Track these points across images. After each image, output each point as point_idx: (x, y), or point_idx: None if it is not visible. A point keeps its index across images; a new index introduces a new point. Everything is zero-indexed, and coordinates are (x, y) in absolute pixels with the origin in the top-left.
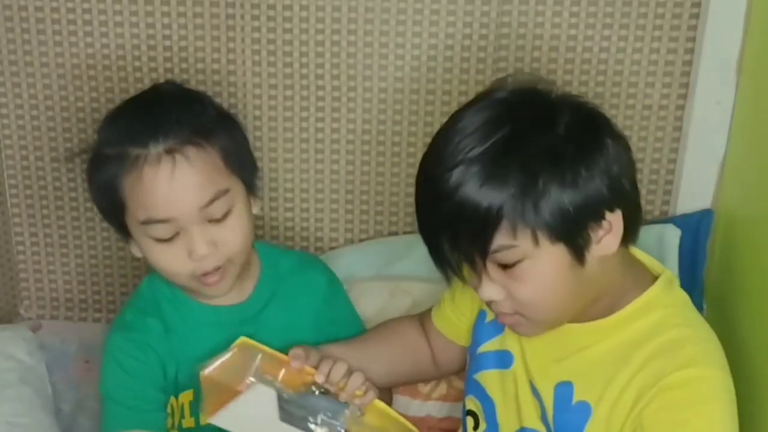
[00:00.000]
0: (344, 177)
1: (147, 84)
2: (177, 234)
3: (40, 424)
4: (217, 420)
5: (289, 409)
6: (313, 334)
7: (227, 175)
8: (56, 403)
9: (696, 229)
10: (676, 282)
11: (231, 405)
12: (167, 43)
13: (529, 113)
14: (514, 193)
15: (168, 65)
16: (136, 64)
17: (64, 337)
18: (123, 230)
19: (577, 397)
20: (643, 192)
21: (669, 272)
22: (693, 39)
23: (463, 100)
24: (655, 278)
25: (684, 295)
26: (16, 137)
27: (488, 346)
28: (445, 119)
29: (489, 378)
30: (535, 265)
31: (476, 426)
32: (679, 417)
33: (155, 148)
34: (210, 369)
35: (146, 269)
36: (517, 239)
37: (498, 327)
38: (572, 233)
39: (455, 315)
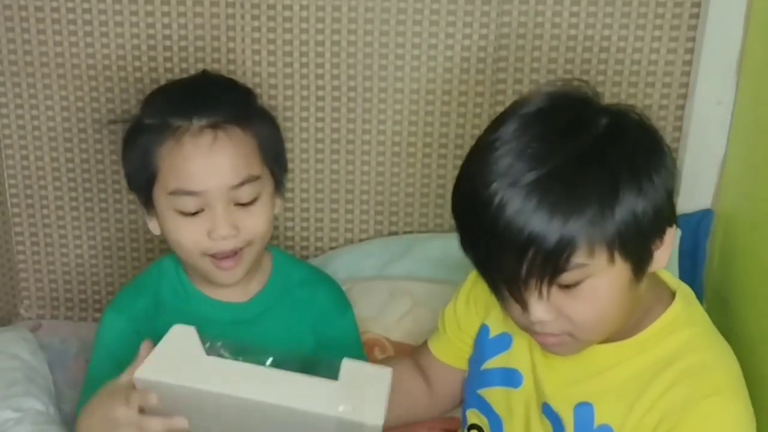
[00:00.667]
0: (344, 177)
1: (147, 84)
2: (202, 210)
3: (48, 415)
4: (143, 372)
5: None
6: (311, 351)
7: (261, 164)
8: (57, 403)
9: (696, 229)
10: (693, 296)
11: (155, 351)
12: (167, 42)
13: (585, 125)
14: (592, 216)
15: (168, 65)
16: (136, 64)
17: (64, 337)
18: (148, 203)
19: (598, 421)
20: None
21: (685, 287)
22: (693, 39)
23: (463, 100)
24: (672, 293)
25: (703, 312)
26: (16, 137)
27: (493, 362)
28: (445, 119)
29: (495, 395)
30: (598, 284)
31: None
32: None
33: (198, 122)
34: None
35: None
36: (593, 259)
37: (504, 343)
38: (641, 249)
39: (458, 337)
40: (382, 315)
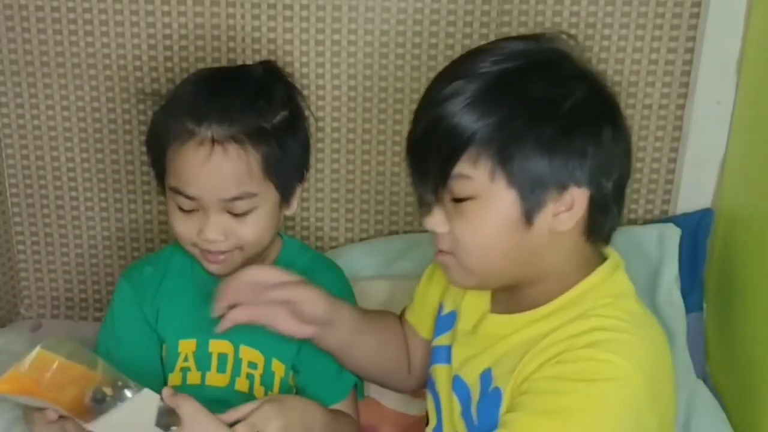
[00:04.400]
0: (345, 176)
1: (147, 84)
2: (196, 210)
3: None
4: (93, 426)
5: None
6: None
7: (260, 181)
8: None
9: (696, 229)
10: (622, 269)
11: (113, 412)
12: (167, 42)
13: (552, 69)
14: (490, 124)
15: (168, 64)
16: (137, 63)
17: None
18: (161, 183)
19: (493, 384)
20: (643, 192)
21: (616, 257)
22: (693, 39)
23: None
24: (601, 261)
25: (626, 285)
26: (16, 136)
27: (440, 340)
28: None
29: (438, 372)
30: (483, 207)
31: (427, 422)
32: (558, 387)
33: (205, 131)
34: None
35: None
36: (476, 170)
37: (451, 321)
38: (528, 187)
39: (424, 309)
40: None
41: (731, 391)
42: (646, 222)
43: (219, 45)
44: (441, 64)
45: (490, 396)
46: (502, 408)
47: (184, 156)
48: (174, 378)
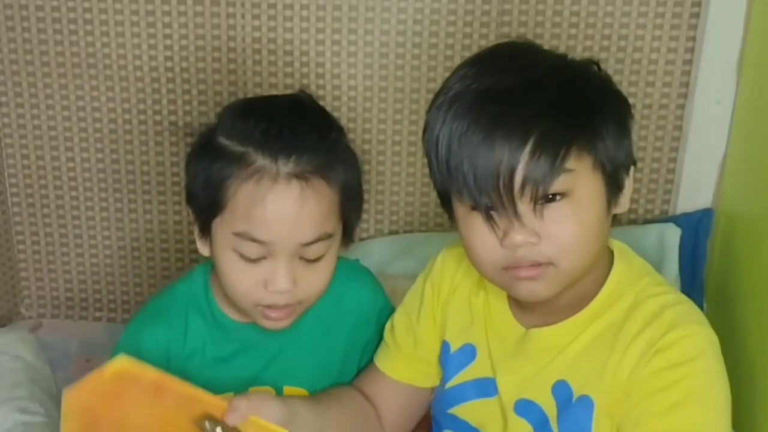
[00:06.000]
0: None
1: (147, 83)
2: (263, 258)
3: (51, 416)
4: None
5: None
6: (344, 355)
7: (338, 220)
8: (57, 404)
9: (696, 229)
10: (628, 249)
11: None
12: (168, 42)
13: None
14: (585, 114)
15: (168, 64)
16: (137, 63)
17: (64, 336)
18: (204, 226)
19: (576, 393)
20: (643, 191)
21: (619, 244)
22: (693, 39)
23: None
24: (611, 252)
25: (642, 262)
26: (17, 136)
27: (461, 377)
28: None
29: (470, 410)
30: (580, 200)
31: None
32: (672, 377)
33: (285, 167)
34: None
35: (149, 270)
36: (581, 162)
37: (468, 355)
38: (613, 170)
39: (414, 353)
40: None
41: (731, 390)
42: (646, 222)
43: (219, 45)
44: (441, 63)
45: (576, 406)
46: (596, 412)
47: (266, 198)
48: None
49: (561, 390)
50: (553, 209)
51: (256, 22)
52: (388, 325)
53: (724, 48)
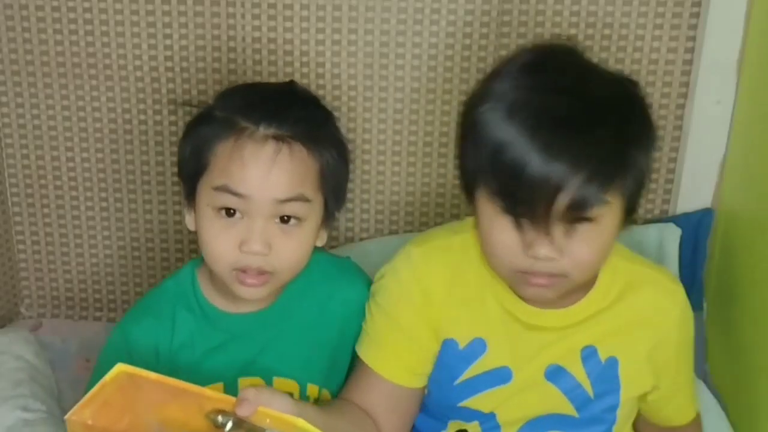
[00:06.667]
0: None
1: (148, 83)
2: (241, 217)
3: (53, 414)
4: None
5: None
6: (334, 349)
7: (316, 189)
8: (58, 403)
9: (696, 229)
10: None
11: None
12: (168, 42)
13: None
14: (631, 154)
15: (169, 64)
16: (137, 63)
17: (64, 336)
18: (190, 195)
19: (605, 355)
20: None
21: None
22: (693, 39)
23: (464, 99)
24: None
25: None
26: (17, 136)
27: (472, 371)
28: (445, 118)
29: (484, 399)
30: (602, 223)
31: None
32: (690, 333)
33: (265, 129)
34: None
35: (149, 270)
36: (615, 192)
37: (478, 349)
38: (638, 189)
39: (410, 360)
40: None
41: (731, 390)
42: (646, 222)
43: (219, 45)
44: (441, 64)
45: (606, 366)
46: (621, 369)
47: (243, 153)
48: None
49: (590, 353)
50: (579, 231)
51: (256, 22)
52: (366, 334)
53: (724, 48)
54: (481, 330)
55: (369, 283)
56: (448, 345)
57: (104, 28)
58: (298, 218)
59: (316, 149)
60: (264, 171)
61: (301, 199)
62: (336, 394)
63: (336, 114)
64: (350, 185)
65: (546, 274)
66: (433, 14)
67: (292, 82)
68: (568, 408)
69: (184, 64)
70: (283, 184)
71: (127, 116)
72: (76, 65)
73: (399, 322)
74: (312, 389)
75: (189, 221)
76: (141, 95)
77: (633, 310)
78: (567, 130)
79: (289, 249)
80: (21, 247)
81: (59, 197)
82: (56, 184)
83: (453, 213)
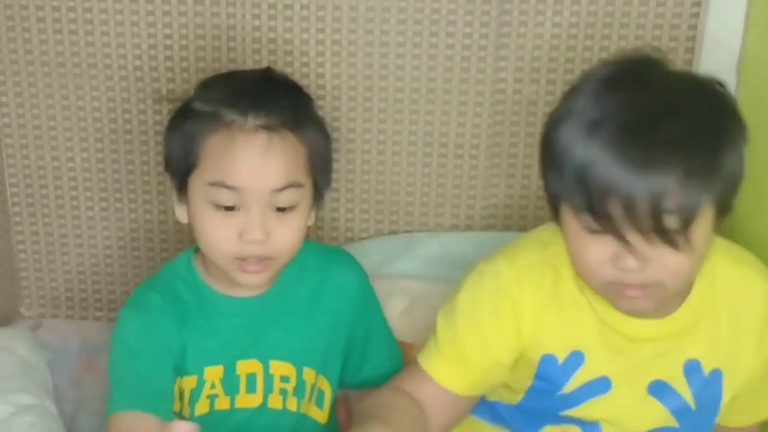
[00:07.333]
0: (344, 176)
1: (148, 83)
2: (237, 208)
3: (44, 409)
4: None
5: None
6: (329, 334)
7: (306, 173)
8: (57, 403)
9: None
10: None
11: None
12: (168, 42)
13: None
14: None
15: (169, 64)
16: (137, 63)
17: (65, 336)
18: (181, 189)
19: (708, 368)
20: None
21: None
22: (693, 39)
23: (464, 99)
24: None
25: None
26: (17, 136)
27: (573, 383)
28: (445, 118)
29: (586, 409)
30: (703, 228)
31: None
32: None
33: (254, 120)
34: None
35: (149, 270)
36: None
37: (576, 362)
38: (732, 194)
39: (483, 366)
40: None
41: None
42: None
43: (219, 45)
44: (441, 63)
45: (710, 380)
46: (725, 383)
47: (235, 147)
48: (201, 407)
49: (693, 367)
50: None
51: (257, 22)
52: (439, 337)
53: (724, 48)
54: (578, 342)
55: (361, 269)
56: (547, 360)
57: (104, 28)
58: (293, 205)
59: (303, 134)
60: (258, 162)
61: (295, 185)
62: (333, 382)
63: (336, 114)
64: (351, 184)
65: (639, 285)
66: (433, 14)
67: (269, 69)
68: (670, 421)
69: (184, 65)
70: (278, 173)
71: (127, 116)
72: (76, 65)
73: (485, 340)
74: (308, 373)
75: (180, 214)
76: (141, 95)
77: (734, 317)
78: (652, 141)
79: (287, 234)
80: (21, 247)
81: (59, 197)
82: (56, 183)
83: (453, 213)
